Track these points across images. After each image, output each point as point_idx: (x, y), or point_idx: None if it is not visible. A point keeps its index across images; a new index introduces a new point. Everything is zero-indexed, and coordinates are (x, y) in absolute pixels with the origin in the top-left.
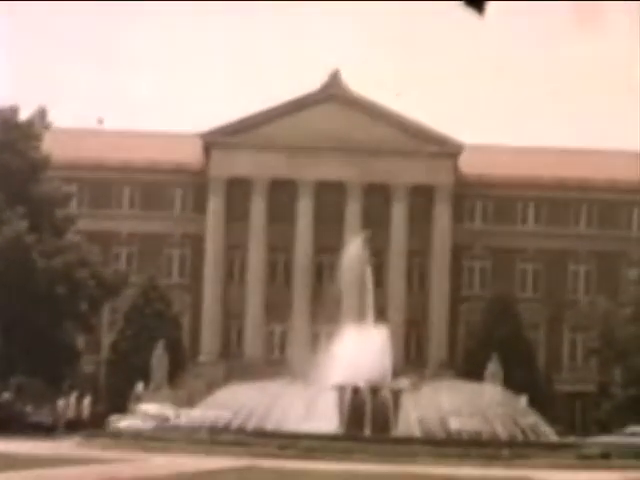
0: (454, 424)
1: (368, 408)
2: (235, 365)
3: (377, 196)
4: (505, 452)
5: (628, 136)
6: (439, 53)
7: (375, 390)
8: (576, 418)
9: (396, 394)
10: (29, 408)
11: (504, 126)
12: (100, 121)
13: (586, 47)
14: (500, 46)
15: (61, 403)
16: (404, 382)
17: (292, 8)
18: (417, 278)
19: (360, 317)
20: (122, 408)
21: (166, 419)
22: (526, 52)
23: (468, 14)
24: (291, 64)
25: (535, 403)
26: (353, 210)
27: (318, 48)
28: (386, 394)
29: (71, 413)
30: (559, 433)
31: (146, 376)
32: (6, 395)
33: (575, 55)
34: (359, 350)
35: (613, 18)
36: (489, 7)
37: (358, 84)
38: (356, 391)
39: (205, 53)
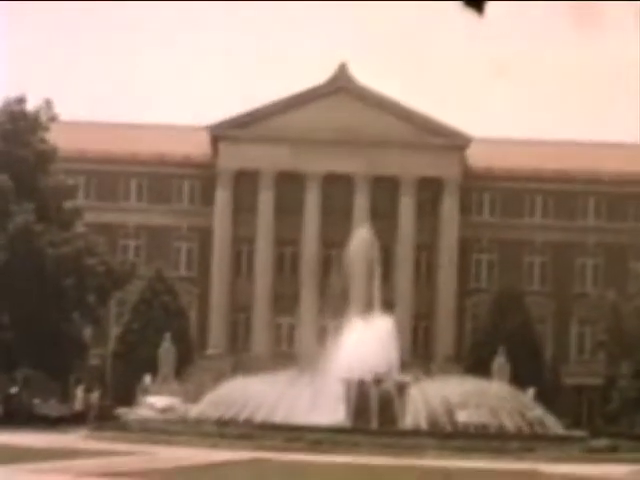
0: (461, 417)
1: (374, 401)
2: (242, 358)
3: (385, 189)
4: (512, 445)
5: (631, 129)
6: (439, 51)
7: (380, 383)
8: (583, 411)
9: (401, 387)
10: (36, 400)
11: (506, 123)
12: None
13: (586, 47)
14: (500, 45)
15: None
16: (407, 376)
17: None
18: (424, 271)
19: (367, 310)
20: (129, 401)
21: (173, 411)
22: (526, 52)
23: (468, 14)
24: (299, 56)
25: (542, 396)
26: (360, 203)
27: (320, 43)
28: (390, 387)
29: (78, 405)
30: (566, 426)
31: (153, 369)
32: (13, 387)
33: (575, 54)
34: (366, 343)
35: (613, 18)
36: (488, 7)
37: (362, 70)
38: (362, 384)
39: (212, 45)
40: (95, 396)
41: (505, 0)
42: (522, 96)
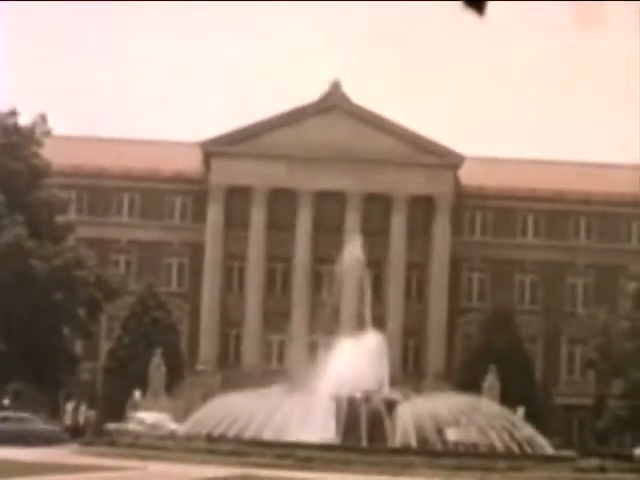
0: (451, 435)
1: (363, 418)
2: (232, 374)
3: (377, 206)
4: (501, 464)
5: (627, 148)
6: (437, 55)
7: (370, 400)
8: (573, 431)
9: (391, 404)
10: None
11: (502, 134)
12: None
13: (586, 47)
14: (500, 47)
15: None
16: (397, 394)
17: (291, 17)
18: (416, 289)
19: (358, 327)
20: (119, 416)
21: (163, 427)
22: (526, 53)
23: (468, 14)
24: (291, 73)
25: (532, 416)
26: (352, 220)
27: (317, 52)
28: (380, 404)
29: (68, 420)
30: (556, 446)
31: (143, 384)
32: (3, 401)
33: (575, 55)
34: (356, 360)
35: (613, 18)
36: (489, 7)
37: (357, 88)
38: (352, 401)
39: (205, 61)
40: (88, 412)
41: (505, 0)
42: (520, 101)
